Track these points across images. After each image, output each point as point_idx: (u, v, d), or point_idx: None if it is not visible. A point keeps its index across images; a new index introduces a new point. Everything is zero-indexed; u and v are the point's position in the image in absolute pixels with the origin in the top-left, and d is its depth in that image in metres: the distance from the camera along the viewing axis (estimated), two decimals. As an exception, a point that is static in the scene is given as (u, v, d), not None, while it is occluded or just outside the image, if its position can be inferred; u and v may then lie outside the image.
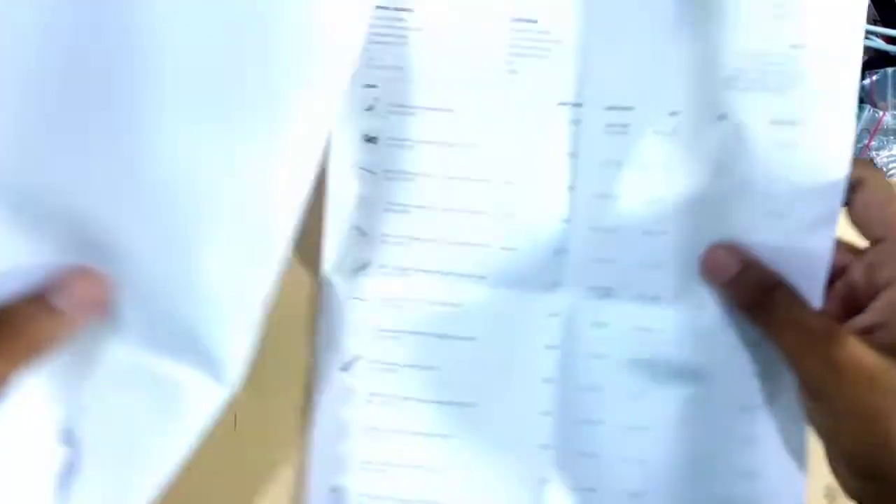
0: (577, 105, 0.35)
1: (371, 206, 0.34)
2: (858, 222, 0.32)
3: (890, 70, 0.46)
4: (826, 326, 0.30)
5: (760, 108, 0.33)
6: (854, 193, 0.32)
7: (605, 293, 0.34)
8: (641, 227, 0.35)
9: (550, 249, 0.35)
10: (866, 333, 0.30)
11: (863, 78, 0.47)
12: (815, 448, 0.44)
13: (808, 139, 0.33)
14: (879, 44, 0.48)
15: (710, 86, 0.34)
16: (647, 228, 0.35)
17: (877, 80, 0.47)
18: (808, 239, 0.33)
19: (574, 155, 0.35)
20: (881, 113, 0.46)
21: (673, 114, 0.34)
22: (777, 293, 0.32)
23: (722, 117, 0.34)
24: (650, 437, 0.34)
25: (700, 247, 0.34)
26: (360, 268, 0.34)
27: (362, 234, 0.34)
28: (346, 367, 0.34)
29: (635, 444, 0.34)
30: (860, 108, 0.46)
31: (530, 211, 0.35)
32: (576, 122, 0.35)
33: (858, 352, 0.29)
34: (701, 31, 0.34)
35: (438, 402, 0.34)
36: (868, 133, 0.46)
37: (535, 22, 0.34)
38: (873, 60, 0.48)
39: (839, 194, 0.33)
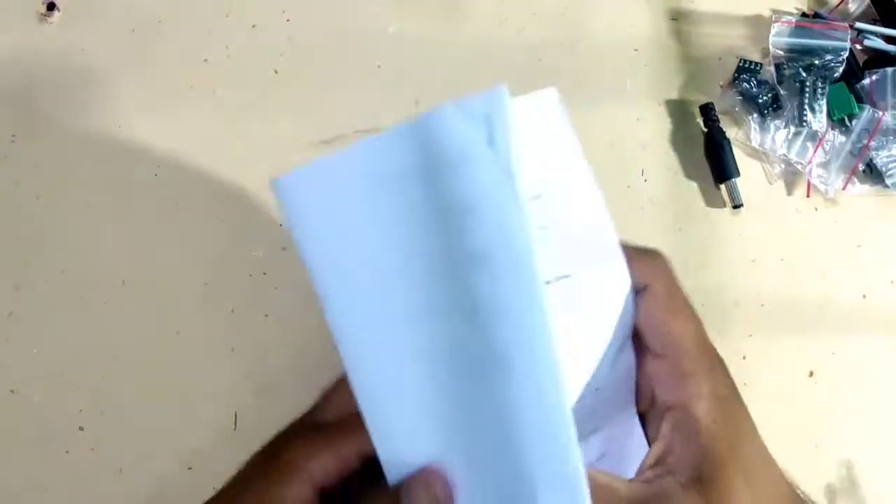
0: None
1: None
2: (641, 330, 0.29)
3: (889, 70, 0.46)
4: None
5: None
6: (639, 298, 0.29)
7: None
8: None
9: None
10: (661, 464, 0.28)
11: (862, 78, 0.47)
12: (815, 446, 0.45)
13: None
14: (879, 44, 0.48)
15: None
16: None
17: (876, 80, 0.47)
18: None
19: None
20: (880, 113, 0.46)
21: None
22: None
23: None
24: None
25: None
26: None
27: None
28: None
29: None
30: (860, 108, 0.46)
31: None
32: None
33: None
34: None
35: None
36: (867, 133, 0.46)
37: None
38: (873, 60, 0.48)
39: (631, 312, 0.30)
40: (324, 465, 0.28)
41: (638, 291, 0.29)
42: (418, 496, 0.27)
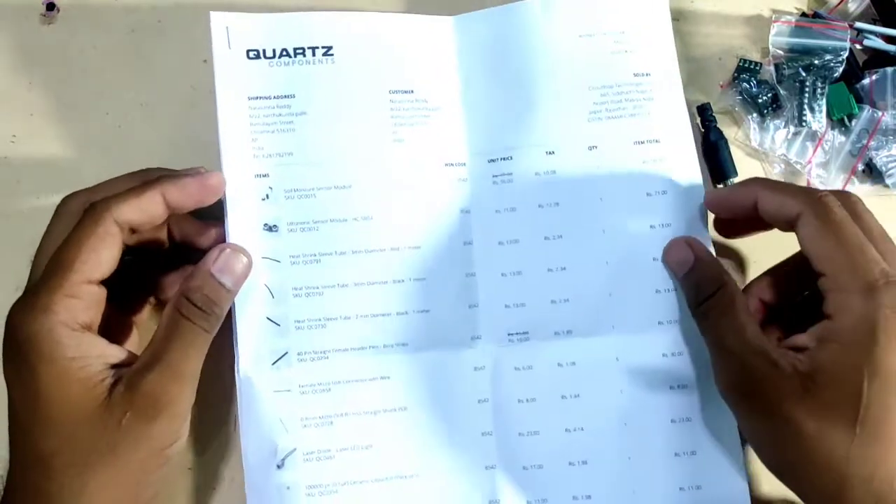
0: (462, 164, 0.36)
1: (280, 294, 0.34)
2: (805, 254, 0.32)
3: (889, 70, 0.46)
4: (743, 348, 0.31)
5: (623, 133, 0.37)
6: (798, 224, 0.32)
7: (523, 337, 0.35)
8: (544, 266, 0.35)
9: (464, 305, 0.35)
10: (799, 351, 0.31)
11: (862, 78, 0.47)
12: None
13: (669, 152, 0.37)
14: (879, 43, 0.48)
15: (576, 121, 0.37)
16: (549, 266, 0.35)
17: (876, 80, 0.47)
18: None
19: (467, 210, 0.36)
20: (880, 113, 0.46)
21: (549, 153, 0.36)
22: (714, 299, 0.33)
23: (592, 147, 0.36)
24: (591, 470, 0.34)
25: (597, 274, 0.35)
26: (279, 359, 0.33)
27: (275, 324, 0.34)
28: (281, 465, 0.33)
29: (578, 478, 0.34)
30: (859, 108, 0.46)
31: (438, 271, 0.35)
32: (463, 179, 0.36)
33: (768, 377, 0.30)
34: (557, 76, 0.38)
35: (378, 480, 0.33)
36: (867, 133, 0.46)
37: (412, 92, 0.36)
38: (872, 60, 0.48)
39: (702, 195, 0.37)
40: (123, 208, 0.33)
41: (794, 220, 0.32)
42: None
